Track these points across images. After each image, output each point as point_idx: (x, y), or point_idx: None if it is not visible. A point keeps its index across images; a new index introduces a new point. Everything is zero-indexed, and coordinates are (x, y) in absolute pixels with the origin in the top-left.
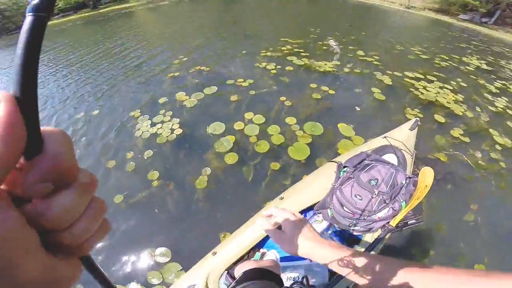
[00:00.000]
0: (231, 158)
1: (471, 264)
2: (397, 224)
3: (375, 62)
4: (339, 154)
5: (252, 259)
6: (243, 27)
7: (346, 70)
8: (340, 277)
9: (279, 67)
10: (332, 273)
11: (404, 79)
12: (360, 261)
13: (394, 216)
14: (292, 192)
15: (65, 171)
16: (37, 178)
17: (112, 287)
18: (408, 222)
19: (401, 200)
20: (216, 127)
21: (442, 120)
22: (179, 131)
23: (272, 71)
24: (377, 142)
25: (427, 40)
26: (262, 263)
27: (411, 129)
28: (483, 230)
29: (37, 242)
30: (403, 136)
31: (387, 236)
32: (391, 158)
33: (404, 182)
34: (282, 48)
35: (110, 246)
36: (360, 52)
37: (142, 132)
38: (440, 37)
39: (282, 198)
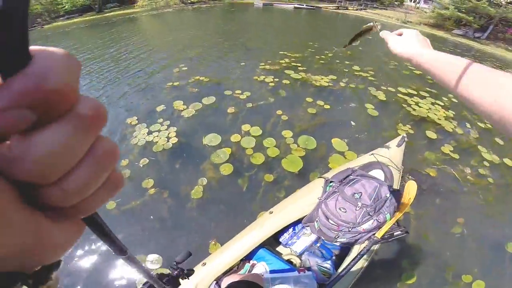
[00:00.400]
0: (227, 169)
1: (459, 275)
2: (383, 235)
3: (370, 78)
4: (330, 169)
5: (241, 271)
6: (243, 39)
7: (342, 84)
8: (330, 286)
9: (276, 80)
10: (321, 285)
11: (398, 94)
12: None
13: (379, 228)
14: (281, 207)
15: (55, 94)
16: (10, 101)
17: (124, 251)
18: (394, 234)
19: (386, 213)
20: (212, 139)
21: (434, 136)
22: (175, 140)
23: (270, 84)
24: (365, 159)
25: None
26: (246, 276)
27: (398, 145)
28: (470, 242)
29: (15, 201)
30: (391, 152)
31: (375, 248)
32: (378, 174)
33: (388, 195)
34: (281, 62)
35: (99, 250)
36: (356, 67)
37: (139, 140)
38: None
39: (271, 212)
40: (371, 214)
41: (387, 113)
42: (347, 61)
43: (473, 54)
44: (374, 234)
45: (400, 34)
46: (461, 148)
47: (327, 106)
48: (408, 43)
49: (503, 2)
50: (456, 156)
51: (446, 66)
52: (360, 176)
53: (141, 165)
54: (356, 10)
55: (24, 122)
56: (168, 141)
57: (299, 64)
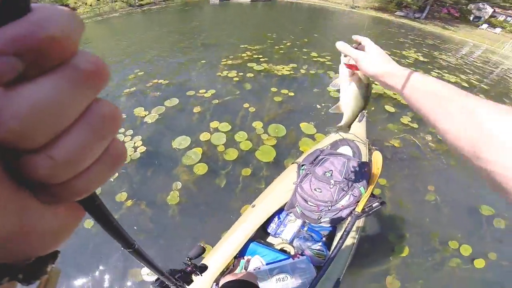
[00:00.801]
0: (201, 169)
1: (445, 241)
2: (363, 209)
3: (328, 62)
4: (302, 152)
5: (237, 269)
6: (202, 37)
7: (303, 71)
8: (327, 267)
9: (240, 74)
10: (319, 268)
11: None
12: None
13: (357, 203)
14: (262, 198)
15: (47, 41)
16: None
17: (131, 243)
18: (373, 206)
19: (359, 186)
20: (181, 141)
21: (392, 109)
22: (143, 149)
23: (234, 78)
24: (332, 138)
25: (371, 37)
26: (238, 275)
27: (359, 120)
28: (445, 208)
29: None
30: (354, 128)
31: (359, 224)
32: (346, 150)
33: (357, 168)
34: (242, 55)
35: (91, 273)
36: (314, 54)
37: None
38: (381, 34)
39: (254, 206)
40: (345, 189)
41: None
42: (305, 48)
43: (415, 33)
44: (354, 209)
45: (358, 43)
46: (418, 118)
47: (292, 94)
48: (377, 61)
49: None
50: (415, 125)
51: (417, 92)
52: (329, 154)
53: (111, 180)
54: None
55: (9, 71)
56: (135, 151)
57: (261, 56)
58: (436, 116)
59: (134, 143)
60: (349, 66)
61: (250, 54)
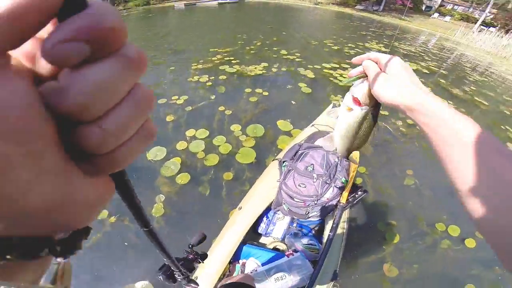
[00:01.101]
0: (183, 179)
1: (432, 224)
2: (347, 199)
3: (298, 59)
4: (281, 149)
5: (234, 274)
6: (170, 43)
7: (274, 70)
8: (322, 261)
9: (212, 78)
10: (314, 262)
11: (324, 70)
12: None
13: (341, 194)
14: (248, 199)
15: (110, 32)
16: (70, 34)
17: (148, 223)
18: (356, 195)
19: (341, 177)
20: (157, 153)
21: None
22: None
23: (206, 83)
24: (308, 131)
25: (335, 32)
26: (235, 278)
27: (328, 114)
28: (426, 191)
29: (55, 142)
30: (328, 119)
31: (346, 215)
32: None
33: (336, 159)
34: (213, 59)
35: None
36: (284, 52)
37: None
38: (345, 28)
39: (240, 208)
40: (328, 182)
41: (319, 88)
42: (275, 47)
43: (376, 25)
44: (339, 201)
45: (376, 62)
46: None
47: (266, 93)
48: (401, 85)
49: None
50: (386, 112)
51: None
52: (307, 148)
53: None
54: None
55: (79, 54)
56: None
57: (232, 58)
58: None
59: None
60: (355, 101)
61: (221, 57)
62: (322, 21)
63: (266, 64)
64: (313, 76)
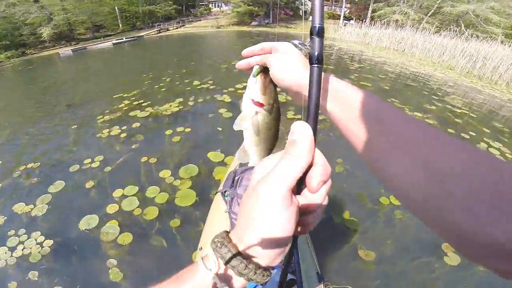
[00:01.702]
0: (126, 239)
1: (375, 199)
2: None
3: (211, 87)
4: (220, 181)
5: None
6: (63, 98)
7: (191, 103)
8: (299, 268)
9: (125, 128)
10: (293, 273)
11: (238, 91)
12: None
13: None
14: (206, 237)
15: (329, 172)
16: (319, 178)
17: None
18: None
19: None
20: (89, 221)
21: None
22: (49, 242)
23: (120, 135)
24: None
25: (240, 51)
26: None
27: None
28: (357, 171)
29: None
30: None
31: None
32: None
33: None
34: (120, 106)
35: None
36: (196, 82)
37: (6, 262)
38: (246, 46)
39: (201, 249)
40: None
41: (239, 110)
42: (186, 79)
43: (270, 37)
44: None
45: (275, 51)
46: (300, 107)
47: (188, 129)
48: (295, 66)
49: None
50: (299, 116)
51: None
52: (242, 172)
53: (35, 278)
54: (177, 28)
55: (323, 187)
56: (42, 247)
57: (142, 101)
58: (380, 155)
59: (35, 239)
60: (258, 104)
61: (129, 102)
62: (226, 43)
63: (181, 99)
64: (230, 100)
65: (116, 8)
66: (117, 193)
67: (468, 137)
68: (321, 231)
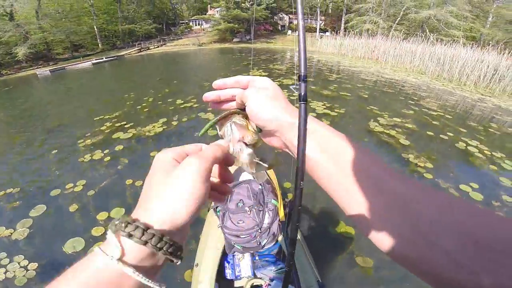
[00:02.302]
0: None
1: None
2: (284, 215)
3: (195, 105)
4: (207, 202)
5: None
6: (41, 121)
7: (175, 123)
8: (297, 277)
9: (107, 151)
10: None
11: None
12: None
13: (278, 214)
14: (201, 254)
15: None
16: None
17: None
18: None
19: (270, 200)
20: (74, 244)
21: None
22: (34, 265)
23: (104, 159)
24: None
25: (222, 68)
26: None
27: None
28: None
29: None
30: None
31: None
32: (246, 175)
33: (260, 186)
34: (102, 128)
35: None
36: (179, 101)
37: None
38: (229, 62)
39: (197, 265)
40: (261, 209)
41: None
42: (169, 99)
43: (253, 53)
44: (279, 220)
45: (252, 85)
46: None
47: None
48: (274, 103)
49: (248, 5)
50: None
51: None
52: (232, 187)
53: None
54: (158, 47)
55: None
56: (27, 270)
57: (124, 122)
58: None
59: (19, 263)
60: (241, 143)
61: (111, 124)
62: (209, 61)
63: (164, 119)
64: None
65: (95, 27)
66: (102, 216)
67: (446, 138)
68: (317, 241)
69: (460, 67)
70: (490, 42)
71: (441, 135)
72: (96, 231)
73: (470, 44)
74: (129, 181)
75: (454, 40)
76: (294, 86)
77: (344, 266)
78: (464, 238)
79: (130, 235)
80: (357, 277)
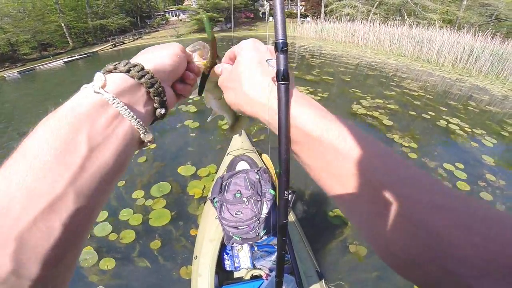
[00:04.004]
0: (109, 264)
1: None
2: None
3: None
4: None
5: None
6: (12, 126)
7: None
8: (297, 267)
9: None
10: (292, 273)
11: (203, 101)
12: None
13: (275, 204)
14: (199, 246)
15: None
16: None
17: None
18: (288, 199)
19: (268, 189)
20: None
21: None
22: None
23: None
24: (226, 161)
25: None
26: None
27: (240, 135)
28: None
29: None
30: (239, 143)
31: (294, 218)
32: (243, 165)
33: (257, 176)
34: None
35: None
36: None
37: None
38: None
39: (196, 257)
40: (259, 199)
41: (205, 119)
42: None
43: (235, 42)
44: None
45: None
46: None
47: (153, 145)
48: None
49: None
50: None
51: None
52: (230, 177)
53: None
54: (134, 41)
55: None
56: None
57: None
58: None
59: None
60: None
61: None
62: None
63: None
64: (196, 110)
65: (62, 24)
66: None
67: (429, 117)
68: (309, 230)
69: (437, 49)
70: (465, 25)
71: (423, 115)
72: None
73: (446, 26)
74: None
75: (431, 23)
76: (270, 60)
77: (337, 254)
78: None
79: (115, 68)
80: (351, 264)
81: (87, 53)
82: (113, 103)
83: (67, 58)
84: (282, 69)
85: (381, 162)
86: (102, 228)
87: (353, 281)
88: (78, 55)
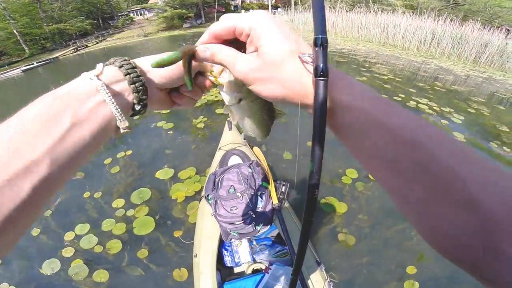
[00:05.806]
0: (103, 276)
1: (338, 177)
2: (278, 198)
3: None
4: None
5: None
6: None
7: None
8: (295, 258)
9: None
10: (291, 265)
11: None
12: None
13: (270, 197)
14: (198, 243)
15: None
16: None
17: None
18: (283, 191)
19: (261, 183)
20: (50, 265)
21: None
22: None
23: None
24: (218, 157)
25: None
26: None
27: (230, 128)
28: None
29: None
30: (230, 137)
31: (290, 210)
32: (235, 159)
33: (250, 170)
34: None
35: None
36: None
37: None
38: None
39: (196, 256)
40: (253, 193)
41: (179, 118)
42: None
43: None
44: (272, 203)
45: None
46: None
47: (129, 151)
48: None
49: None
50: None
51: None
52: (222, 173)
53: None
54: (97, 43)
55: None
56: None
57: None
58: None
59: None
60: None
61: None
62: (160, 49)
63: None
64: (169, 110)
65: (14, 31)
66: (69, 236)
67: (400, 99)
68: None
69: (402, 34)
70: (426, 10)
71: (394, 97)
72: (68, 252)
73: (409, 12)
74: (87, 194)
75: (394, 9)
76: (307, 55)
77: (326, 241)
78: None
79: (114, 62)
80: (341, 250)
81: (47, 60)
82: (100, 89)
83: (25, 66)
84: (321, 65)
85: (437, 144)
86: (88, 241)
87: (345, 268)
88: (37, 62)
